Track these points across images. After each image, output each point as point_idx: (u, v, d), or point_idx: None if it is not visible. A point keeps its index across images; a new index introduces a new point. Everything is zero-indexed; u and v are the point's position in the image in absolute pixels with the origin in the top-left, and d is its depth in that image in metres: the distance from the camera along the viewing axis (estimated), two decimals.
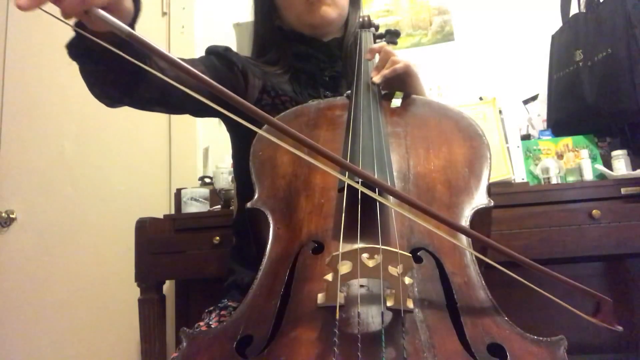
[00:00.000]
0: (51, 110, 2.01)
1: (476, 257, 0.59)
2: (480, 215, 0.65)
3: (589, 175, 1.43)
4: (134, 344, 1.73)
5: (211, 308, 0.94)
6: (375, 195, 0.54)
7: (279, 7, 1.03)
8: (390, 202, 0.59)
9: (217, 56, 0.96)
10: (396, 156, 0.71)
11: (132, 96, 0.78)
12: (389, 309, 0.49)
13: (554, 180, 1.42)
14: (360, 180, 0.55)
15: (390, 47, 0.89)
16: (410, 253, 0.51)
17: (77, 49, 0.67)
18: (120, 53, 0.52)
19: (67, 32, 0.66)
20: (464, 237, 0.61)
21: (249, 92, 0.96)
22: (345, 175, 0.57)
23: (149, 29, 2.02)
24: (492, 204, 0.65)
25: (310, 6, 0.97)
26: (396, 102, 0.84)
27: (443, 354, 0.46)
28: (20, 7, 0.47)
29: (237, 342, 0.49)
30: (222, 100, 0.48)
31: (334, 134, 0.77)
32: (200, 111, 0.98)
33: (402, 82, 0.87)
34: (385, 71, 0.85)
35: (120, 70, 0.71)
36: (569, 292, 0.58)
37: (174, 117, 1.97)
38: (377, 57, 0.90)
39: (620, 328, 0.55)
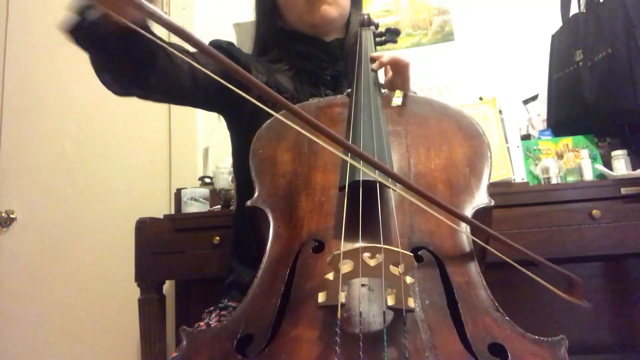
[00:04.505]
0: (51, 110, 2.01)
1: (477, 256, 0.59)
2: (481, 215, 0.65)
3: (589, 175, 1.43)
4: (134, 344, 1.73)
5: (211, 308, 0.94)
6: (387, 183, 0.54)
7: (280, 6, 1.03)
8: (397, 187, 0.60)
9: (221, 50, 0.96)
10: (397, 155, 0.71)
11: (141, 86, 0.80)
12: (390, 308, 0.48)
13: (554, 180, 1.42)
14: (376, 171, 0.55)
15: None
16: (411, 252, 0.51)
17: (81, 35, 0.68)
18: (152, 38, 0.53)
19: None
20: (464, 235, 0.61)
21: (252, 90, 0.97)
22: (360, 164, 0.58)
23: None
24: (492, 203, 0.65)
25: (311, 5, 0.97)
26: (397, 100, 0.84)
27: (444, 353, 0.45)
28: None
29: (237, 341, 0.49)
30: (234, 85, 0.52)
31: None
32: (205, 102, 1.00)
33: (399, 73, 0.91)
34: (384, 59, 0.90)
35: (130, 61, 0.72)
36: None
37: (174, 117, 1.97)
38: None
39: (588, 304, 0.56)
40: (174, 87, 0.86)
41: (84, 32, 0.68)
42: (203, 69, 0.56)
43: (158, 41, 0.56)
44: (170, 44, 0.76)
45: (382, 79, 1.05)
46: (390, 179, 0.59)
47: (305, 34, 1.02)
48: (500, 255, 0.57)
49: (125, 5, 0.52)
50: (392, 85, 0.93)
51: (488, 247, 0.61)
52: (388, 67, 0.93)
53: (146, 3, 0.49)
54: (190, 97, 0.96)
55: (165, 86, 0.84)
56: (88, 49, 0.71)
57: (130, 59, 0.73)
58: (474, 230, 0.61)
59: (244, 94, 0.52)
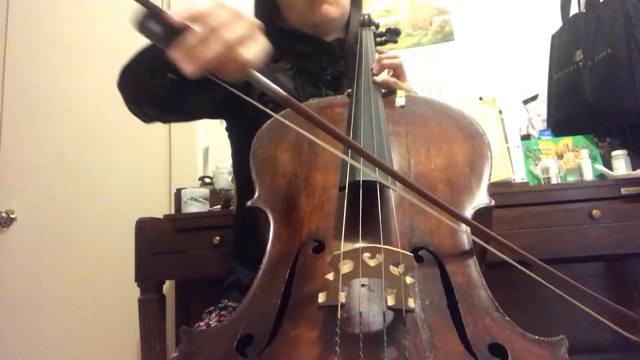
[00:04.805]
0: (51, 110, 2.01)
1: (477, 256, 0.59)
2: (481, 215, 0.65)
3: (589, 175, 1.43)
4: (134, 344, 1.73)
5: (211, 308, 0.94)
6: (387, 183, 0.54)
7: (281, 6, 1.03)
8: (396, 187, 0.60)
9: None
10: (397, 155, 0.71)
11: (168, 116, 0.85)
12: (390, 308, 0.49)
13: (554, 180, 1.42)
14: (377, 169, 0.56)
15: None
16: (411, 252, 0.51)
17: (151, 67, 0.70)
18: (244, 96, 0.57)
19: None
20: (464, 235, 0.61)
21: (253, 89, 0.97)
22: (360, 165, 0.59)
23: None
24: (492, 203, 0.65)
25: (312, 5, 0.97)
26: (400, 100, 0.84)
27: (444, 353, 0.45)
28: (186, 73, 0.50)
29: (237, 341, 0.49)
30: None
31: None
32: (213, 114, 1.05)
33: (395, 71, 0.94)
34: (385, 62, 0.92)
35: (176, 95, 0.75)
36: (570, 291, 0.58)
37: None
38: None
39: None
40: (196, 111, 0.91)
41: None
42: (220, 82, 0.56)
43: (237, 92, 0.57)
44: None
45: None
46: (390, 179, 0.59)
47: (305, 34, 1.02)
48: (508, 258, 0.57)
49: (236, 75, 0.54)
50: (388, 84, 0.94)
51: (489, 247, 0.61)
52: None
53: (262, 78, 0.54)
54: (205, 115, 1.02)
55: (190, 112, 0.89)
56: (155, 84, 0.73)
57: (172, 96, 0.75)
58: (475, 231, 0.61)
59: (249, 99, 0.54)
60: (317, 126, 0.52)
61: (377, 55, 0.94)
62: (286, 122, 0.56)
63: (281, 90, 0.53)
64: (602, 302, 0.56)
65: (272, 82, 0.98)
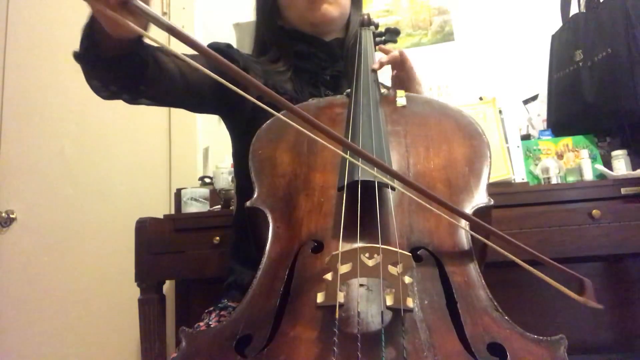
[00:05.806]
0: (51, 110, 2.01)
1: (476, 256, 0.59)
2: (481, 215, 0.65)
3: (589, 175, 1.43)
4: (134, 344, 1.73)
5: (211, 308, 0.94)
6: (386, 180, 0.54)
7: (281, 5, 1.03)
8: (396, 184, 0.60)
9: (219, 52, 0.96)
10: (396, 155, 0.71)
11: (132, 93, 0.82)
12: (388, 308, 0.49)
13: (554, 180, 1.42)
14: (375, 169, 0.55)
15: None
16: (410, 252, 0.51)
17: (87, 53, 0.72)
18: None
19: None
20: (464, 234, 0.61)
21: (250, 90, 0.97)
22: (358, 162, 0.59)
23: None
24: (492, 202, 0.65)
25: (312, 4, 0.97)
26: (401, 100, 0.84)
27: (443, 353, 0.45)
28: None
29: (236, 342, 0.49)
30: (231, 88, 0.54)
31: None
32: (200, 106, 1.01)
33: (400, 68, 0.95)
34: (383, 59, 0.93)
35: (125, 70, 0.74)
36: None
37: (174, 117, 1.97)
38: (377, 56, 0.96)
39: (600, 306, 0.56)
40: (163, 93, 0.88)
41: (89, 53, 0.72)
42: (203, 69, 0.56)
43: (158, 45, 0.57)
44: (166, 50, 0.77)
45: (382, 78, 1.05)
46: (388, 176, 0.59)
47: (305, 33, 1.02)
48: (503, 252, 0.57)
49: (124, 12, 0.53)
50: (399, 81, 0.94)
51: (489, 243, 0.61)
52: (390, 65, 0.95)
53: (145, 6, 0.51)
54: (183, 102, 0.99)
55: (153, 92, 0.86)
56: (88, 64, 0.75)
57: (122, 70, 0.75)
58: (474, 228, 0.61)
59: (243, 93, 0.54)
60: (303, 120, 0.52)
61: (377, 55, 0.95)
62: (287, 120, 0.56)
63: (166, 20, 0.52)
64: (547, 263, 0.57)
65: (270, 86, 0.98)
